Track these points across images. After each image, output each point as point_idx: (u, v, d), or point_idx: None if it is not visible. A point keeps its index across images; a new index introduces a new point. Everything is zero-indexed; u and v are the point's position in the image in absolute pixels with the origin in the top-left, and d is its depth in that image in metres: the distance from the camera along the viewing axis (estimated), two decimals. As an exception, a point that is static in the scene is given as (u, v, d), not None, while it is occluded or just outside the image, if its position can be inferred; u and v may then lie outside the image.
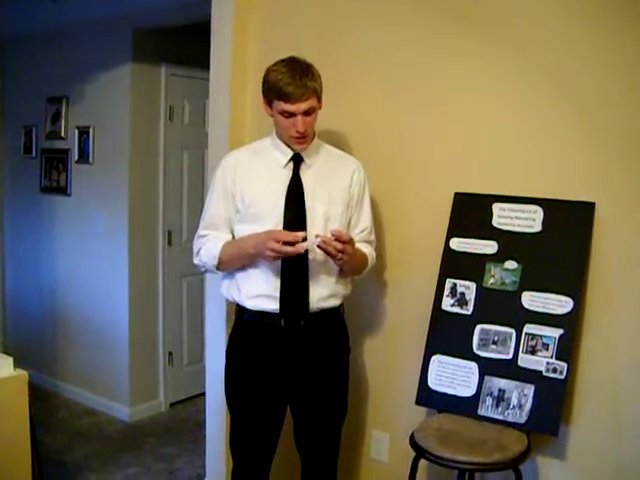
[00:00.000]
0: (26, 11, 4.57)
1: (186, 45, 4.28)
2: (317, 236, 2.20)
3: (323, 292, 2.36)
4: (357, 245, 2.44)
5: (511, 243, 2.47)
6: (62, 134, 4.60)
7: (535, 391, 2.30)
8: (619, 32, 2.30)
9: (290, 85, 2.20)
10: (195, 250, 2.45)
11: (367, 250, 2.51)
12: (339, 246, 2.17)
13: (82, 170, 4.50)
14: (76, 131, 4.49)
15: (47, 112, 4.68)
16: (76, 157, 4.51)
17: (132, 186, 4.25)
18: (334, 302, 2.41)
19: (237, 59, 3.11)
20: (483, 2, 2.56)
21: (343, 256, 2.20)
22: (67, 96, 4.55)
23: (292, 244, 2.16)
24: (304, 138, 2.31)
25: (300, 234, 2.17)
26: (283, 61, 2.28)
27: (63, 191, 4.62)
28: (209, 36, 3.16)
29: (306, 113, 2.25)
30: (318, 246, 2.18)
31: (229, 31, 3.09)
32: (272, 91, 2.26)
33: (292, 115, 2.25)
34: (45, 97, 4.68)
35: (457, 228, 2.60)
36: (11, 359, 2.50)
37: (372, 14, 2.82)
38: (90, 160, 4.43)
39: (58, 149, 4.64)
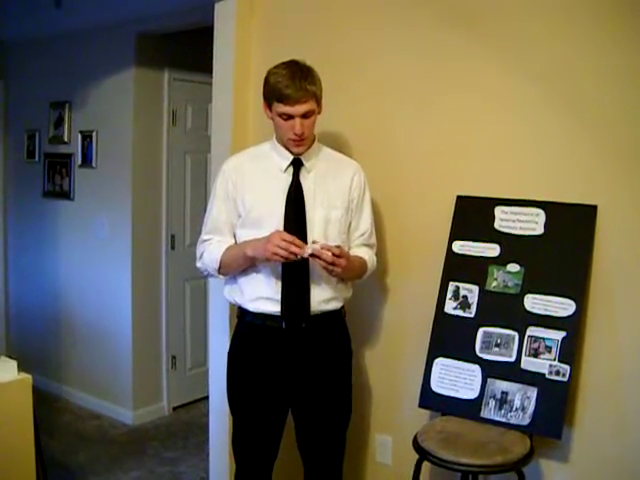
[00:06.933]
0: (29, 16, 4.58)
1: (189, 50, 4.30)
2: (314, 242, 2.21)
3: (324, 295, 2.37)
4: (356, 250, 2.47)
5: (513, 246, 2.48)
6: (65, 138, 4.61)
7: (538, 394, 2.30)
8: (620, 34, 2.31)
9: (289, 87, 2.21)
10: (198, 254, 2.47)
11: (367, 256, 2.50)
12: (329, 258, 2.18)
13: (85, 174, 4.51)
14: (79, 135, 4.50)
15: (50, 117, 4.68)
16: (79, 161, 4.52)
17: (135, 190, 4.26)
18: (335, 304, 2.42)
19: (240, 63, 3.12)
20: (482, 3, 2.57)
21: (335, 268, 2.21)
22: (70, 101, 4.56)
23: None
24: (302, 141, 2.32)
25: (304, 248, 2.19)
26: (284, 64, 2.29)
27: (66, 195, 4.63)
28: (212, 41, 3.16)
29: (304, 116, 2.26)
30: (311, 255, 2.19)
31: (232, 36, 3.10)
32: (271, 93, 2.27)
33: (290, 117, 2.26)
34: (48, 102, 4.68)
35: (459, 231, 2.60)
36: (15, 363, 2.51)
37: (372, 18, 2.83)
38: (93, 164, 4.44)
39: (61, 153, 4.64)
